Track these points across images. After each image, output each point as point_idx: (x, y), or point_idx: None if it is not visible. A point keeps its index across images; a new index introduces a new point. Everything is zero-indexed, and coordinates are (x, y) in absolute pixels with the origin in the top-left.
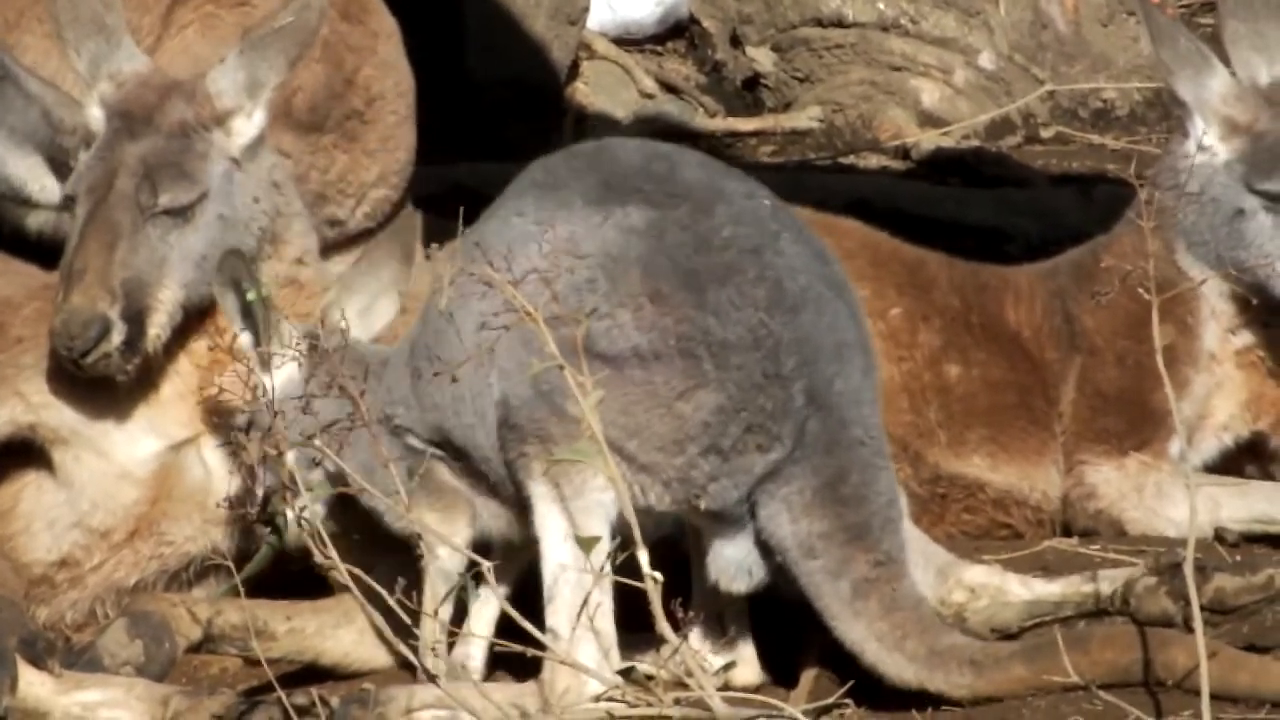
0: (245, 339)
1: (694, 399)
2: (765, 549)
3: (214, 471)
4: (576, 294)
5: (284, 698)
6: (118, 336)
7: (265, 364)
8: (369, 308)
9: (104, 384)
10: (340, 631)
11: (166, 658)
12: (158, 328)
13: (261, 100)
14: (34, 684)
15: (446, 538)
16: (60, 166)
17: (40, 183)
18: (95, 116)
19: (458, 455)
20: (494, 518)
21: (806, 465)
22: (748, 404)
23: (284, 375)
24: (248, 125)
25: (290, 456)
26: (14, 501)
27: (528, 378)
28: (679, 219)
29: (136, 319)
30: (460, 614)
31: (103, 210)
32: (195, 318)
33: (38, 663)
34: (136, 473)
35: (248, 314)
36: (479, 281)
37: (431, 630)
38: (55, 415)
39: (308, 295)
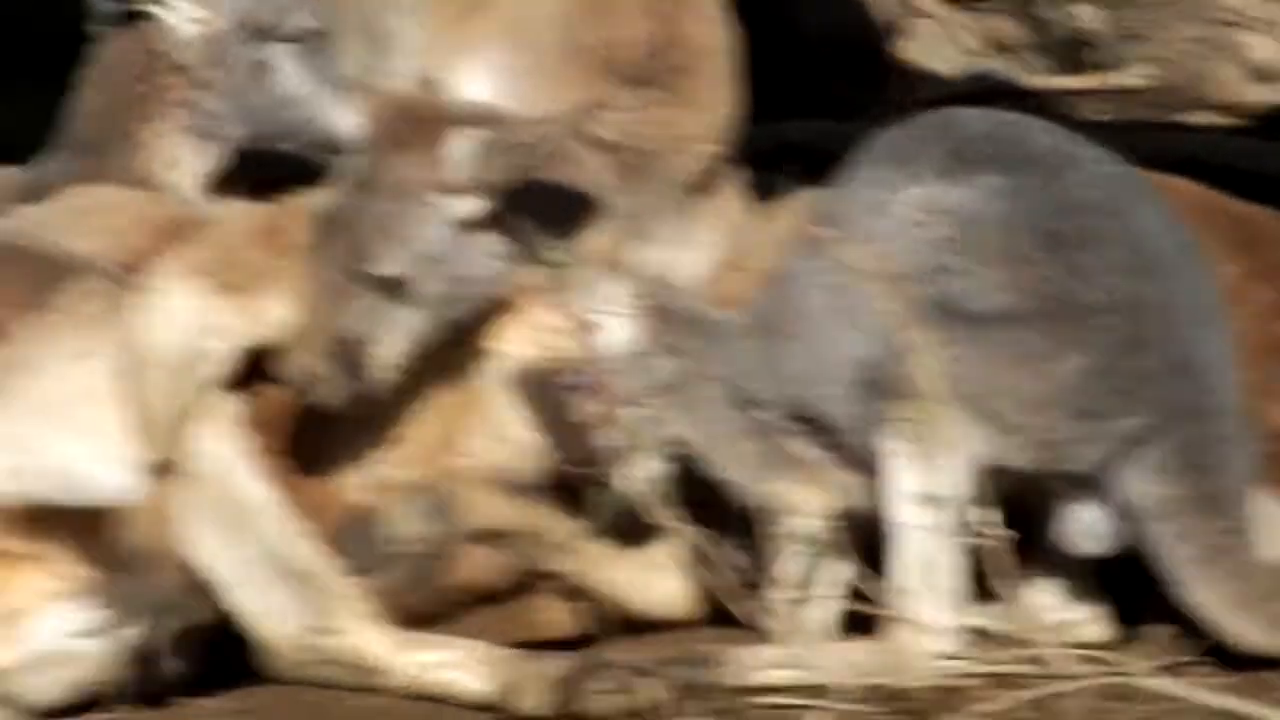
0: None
1: (1061, 361)
2: (1115, 512)
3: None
4: (934, 252)
5: (627, 663)
6: (327, 389)
7: (592, 328)
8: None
9: None
10: (645, 586)
11: None
12: (378, 377)
13: (479, 193)
14: (373, 641)
15: (804, 508)
16: None
17: None
18: (352, 124)
19: (814, 428)
20: (847, 489)
21: (1166, 431)
22: (1113, 368)
23: (622, 333)
24: (466, 205)
25: (630, 416)
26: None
27: (883, 336)
28: (1033, 183)
29: (351, 371)
30: (805, 576)
31: (318, 265)
32: None
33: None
34: None
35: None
36: (829, 242)
37: (780, 593)
38: None
39: None
